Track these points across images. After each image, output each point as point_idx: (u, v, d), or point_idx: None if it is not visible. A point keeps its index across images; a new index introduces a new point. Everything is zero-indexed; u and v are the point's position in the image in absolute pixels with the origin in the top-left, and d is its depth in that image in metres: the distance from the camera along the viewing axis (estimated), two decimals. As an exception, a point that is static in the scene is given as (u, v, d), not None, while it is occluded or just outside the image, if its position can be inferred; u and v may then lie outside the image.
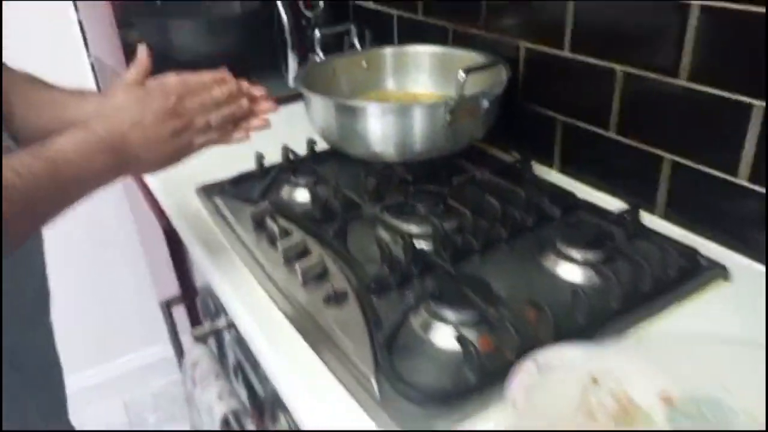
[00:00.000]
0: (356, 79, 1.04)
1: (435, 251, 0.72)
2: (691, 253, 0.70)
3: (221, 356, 0.97)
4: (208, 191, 0.92)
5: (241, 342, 0.79)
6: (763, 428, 0.39)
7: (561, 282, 0.69)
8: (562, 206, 0.81)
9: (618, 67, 0.80)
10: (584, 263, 0.69)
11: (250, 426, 0.78)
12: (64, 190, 0.58)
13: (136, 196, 1.22)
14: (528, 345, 0.56)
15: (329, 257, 0.72)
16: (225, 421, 0.78)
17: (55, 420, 0.82)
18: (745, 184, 0.70)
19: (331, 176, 0.89)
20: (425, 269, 0.70)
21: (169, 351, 1.16)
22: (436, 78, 1.03)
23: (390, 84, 1.06)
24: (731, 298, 0.67)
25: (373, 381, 0.56)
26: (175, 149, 0.66)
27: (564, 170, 0.94)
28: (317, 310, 0.65)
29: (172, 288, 1.16)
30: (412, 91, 1.05)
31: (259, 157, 0.96)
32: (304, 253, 0.73)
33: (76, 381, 0.91)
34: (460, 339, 0.57)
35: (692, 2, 0.68)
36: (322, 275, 0.69)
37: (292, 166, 0.94)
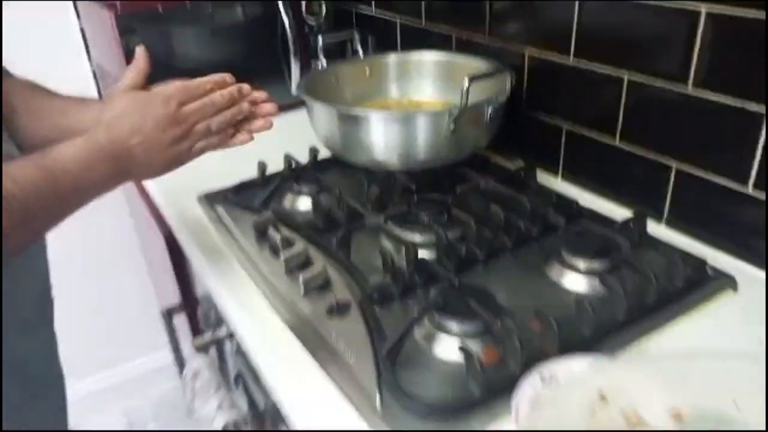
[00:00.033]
0: (359, 87, 1.04)
1: (438, 261, 0.71)
2: (698, 263, 0.69)
3: (222, 365, 0.97)
4: (210, 199, 0.92)
5: (241, 352, 0.79)
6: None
7: (566, 292, 0.68)
8: (567, 215, 0.80)
9: (624, 75, 0.79)
10: (589, 273, 0.68)
11: (251, 437, 0.77)
12: (64, 198, 0.57)
13: (137, 203, 1.22)
14: (533, 357, 0.56)
15: (332, 267, 0.72)
16: (226, 433, 0.77)
17: (55, 428, 0.82)
18: (754, 193, 0.69)
19: (334, 185, 0.89)
20: (429, 279, 0.69)
21: (171, 358, 1.16)
22: (440, 85, 1.03)
23: (393, 91, 1.06)
24: (740, 310, 0.66)
25: (376, 393, 0.55)
26: (175, 155, 0.66)
27: (568, 178, 0.93)
28: (319, 321, 0.65)
29: (174, 296, 1.15)
30: (416, 99, 1.04)
31: (262, 166, 0.95)
32: (306, 263, 0.72)
33: (76, 388, 0.91)
34: (464, 351, 0.56)
35: (701, 9, 0.68)
36: (325, 286, 0.69)
37: (295, 175, 0.94)
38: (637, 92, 0.78)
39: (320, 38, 1.15)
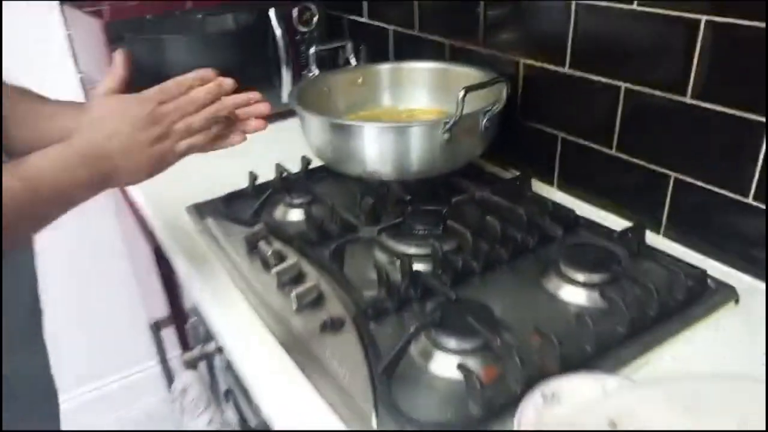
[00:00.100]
0: (352, 96, 1.02)
1: (434, 274, 0.69)
2: (699, 274, 0.67)
3: (212, 380, 0.94)
4: (199, 210, 0.90)
5: (231, 368, 0.76)
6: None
7: (565, 305, 0.66)
8: (564, 225, 0.78)
9: (621, 84, 0.78)
10: (588, 286, 0.67)
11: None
12: (44, 207, 0.56)
13: (124, 214, 1.19)
14: (533, 374, 0.54)
15: (325, 281, 0.70)
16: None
17: None
18: (755, 203, 0.68)
19: (327, 195, 0.87)
20: (424, 293, 0.67)
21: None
22: (434, 94, 1.01)
23: (386, 100, 1.04)
24: (742, 322, 0.65)
25: (372, 414, 0.53)
26: (156, 156, 0.64)
27: (564, 188, 0.92)
28: (312, 338, 0.62)
29: (162, 308, 1.13)
30: (409, 108, 1.03)
31: (252, 176, 0.93)
32: (299, 277, 0.70)
33: (65, 398, 0.89)
34: (463, 369, 0.54)
35: (701, 18, 0.67)
36: (318, 301, 0.67)
37: (286, 185, 0.92)
38: (635, 102, 0.77)
39: (312, 47, 1.13)
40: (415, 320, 0.63)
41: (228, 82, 0.68)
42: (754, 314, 0.65)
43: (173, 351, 1.18)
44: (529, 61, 0.90)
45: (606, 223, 0.81)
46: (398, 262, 0.68)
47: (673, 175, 0.75)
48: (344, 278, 0.70)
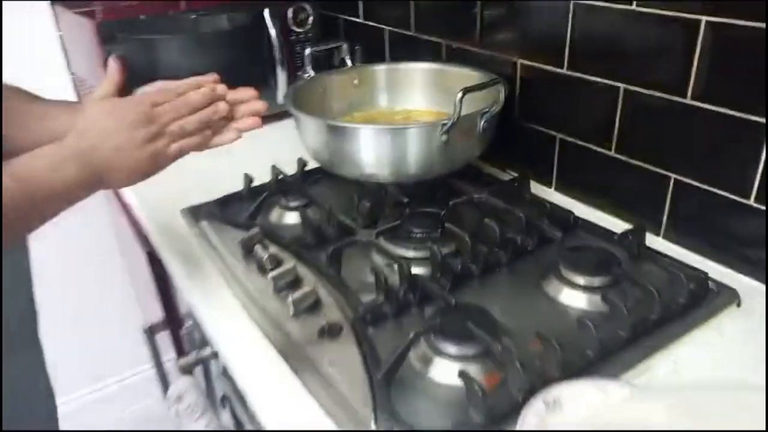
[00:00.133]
0: (348, 97, 1.01)
1: (433, 278, 0.69)
2: (700, 276, 0.67)
3: (208, 384, 0.93)
4: (194, 214, 0.88)
5: (227, 374, 0.75)
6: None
7: (565, 309, 0.66)
8: (563, 227, 0.78)
9: (620, 85, 0.77)
10: (589, 289, 0.66)
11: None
12: (38, 207, 0.56)
13: (118, 217, 1.18)
14: (535, 381, 0.53)
15: (322, 286, 0.69)
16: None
17: None
18: (756, 205, 0.67)
19: (323, 198, 0.86)
20: (423, 297, 0.66)
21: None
22: (430, 95, 1.01)
23: (383, 101, 1.03)
24: (744, 325, 0.64)
25: (371, 421, 0.52)
26: (149, 156, 0.63)
27: (562, 189, 0.91)
28: (310, 344, 0.61)
29: (157, 311, 1.11)
30: (406, 109, 1.02)
31: (248, 178, 0.92)
32: (295, 282, 0.69)
33: (65, 401, 0.89)
34: (464, 376, 0.53)
35: (701, 19, 0.66)
36: (315, 306, 0.66)
37: (282, 187, 0.90)
38: (634, 102, 0.76)
39: (307, 48, 1.12)
40: (414, 325, 0.63)
41: (221, 88, 0.68)
42: (756, 317, 0.65)
43: (169, 354, 1.17)
44: (527, 62, 0.89)
45: (605, 225, 0.80)
46: (396, 266, 0.67)
47: (672, 176, 0.75)
48: (342, 283, 0.69)
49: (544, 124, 0.90)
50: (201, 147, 0.68)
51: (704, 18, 0.66)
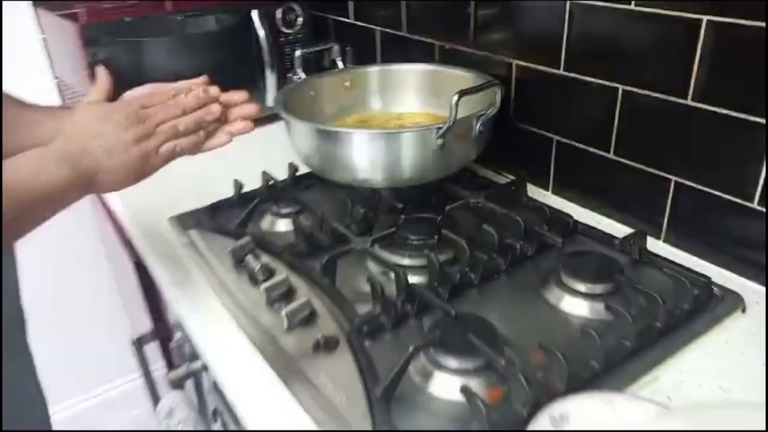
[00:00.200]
0: (339, 100, 0.99)
1: (431, 287, 0.66)
2: (703, 281, 0.65)
3: (200, 397, 0.90)
4: (182, 222, 0.86)
5: (218, 389, 0.73)
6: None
7: (567, 318, 0.64)
8: (562, 232, 0.76)
9: (618, 86, 0.75)
10: (591, 296, 0.64)
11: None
12: (26, 211, 0.54)
13: (105, 226, 1.15)
14: (540, 395, 0.51)
15: (317, 297, 0.66)
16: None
17: None
18: (759, 208, 0.65)
19: (315, 204, 0.84)
20: (421, 307, 0.64)
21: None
22: (424, 97, 0.98)
23: (375, 104, 1.01)
24: (750, 331, 0.62)
25: (370, 441, 0.50)
26: (139, 157, 0.62)
27: (560, 192, 0.90)
28: (305, 359, 0.59)
29: (146, 320, 1.09)
30: (399, 111, 1.00)
31: (238, 184, 0.89)
32: (289, 293, 0.67)
33: (56, 410, 0.87)
34: (466, 392, 0.51)
35: (702, 18, 0.64)
36: (310, 318, 0.63)
37: (273, 194, 0.88)
38: (633, 104, 0.75)
39: (297, 49, 1.09)
40: (412, 337, 0.61)
41: (213, 90, 0.68)
42: (761, 323, 0.63)
43: (158, 363, 1.14)
44: (522, 63, 0.88)
45: (603, 228, 0.79)
46: (393, 275, 0.65)
47: (673, 178, 0.73)
48: (337, 293, 0.67)
49: (540, 125, 0.89)
50: (193, 150, 0.67)
51: (705, 17, 0.65)
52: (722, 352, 0.60)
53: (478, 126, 0.79)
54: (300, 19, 1.21)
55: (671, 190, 0.74)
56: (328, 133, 0.80)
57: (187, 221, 0.86)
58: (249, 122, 0.70)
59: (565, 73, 0.82)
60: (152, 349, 1.09)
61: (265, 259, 0.73)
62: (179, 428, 0.79)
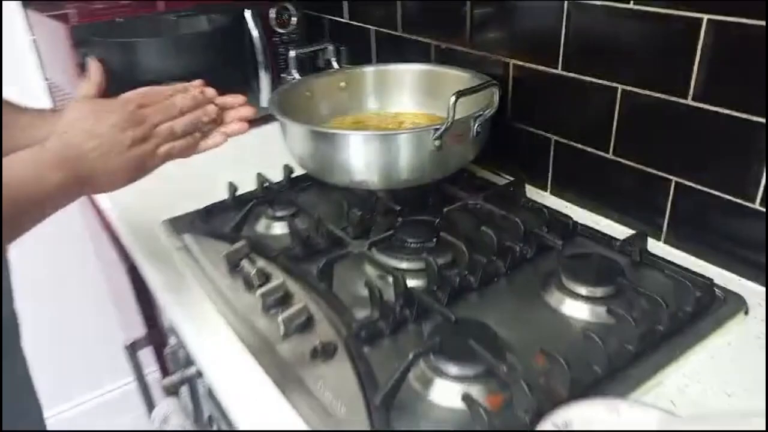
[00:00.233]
0: (335, 101, 0.98)
1: (430, 291, 0.65)
2: (706, 283, 0.64)
3: (195, 404, 0.89)
4: (176, 225, 0.84)
5: (213, 395, 0.71)
6: None
7: (568, 321, 0.63)
8: (562, 234, 0.75)
9: (617, 85, 0.75)
10: (592, 299, 0.63)
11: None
12: (17, 214, 0.53)
13: (96, 229, 1.13)
14: (542, 401, 0.50)
15: (313, 302, 0.65)
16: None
17: None
18: (761, 208, 0.65)
19: (311, 207, 0.83)
20: (420, 312, 0.63)
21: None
22: (420, 97, 0.97)
23: (371, 104, 1.00)
24: (754, 334, 0.62)
25: (370, 450, 0.49)
26: (136, 159, 0.61)
27: (558, 193, 0.89)
28: (302, 365, 0.58)
29: (140, 323, 1.07)
30: (395, 112, 0.99)
31: (232, 187, 0.88)
32: (285, 298, 0.66)
33: (48, 416, 0.86)
34: (467, 400, 0.50)
35: (702, 17, 0.63)
36: (307, 324, 0.62)
37: (269, 196, 0.87)
38: (632, 104, 0.74)
39: (291, 49, 1.08)
40: (412, 342, 0.60)
41: (210, 91, 0.68)
42: (764, 325, 0.62)
43: (151, 366, 1.13)
44: (520, 62, 0.87)
45: (602, 229, 0.78)
46: (391, 279, 0.64)
47: (674, 179, 0.72)
48: (334, 298, 0.66)
49: (538, 125, 0.88)
50: (189, 151, 0.66)
51: (706, 16, 0.64)
52: (726, 355, 0.59)
53: (475, 127, 0.78)
54: (294, 19, 1.19)
55: (671, 191, 0.73)
56: (324, 135, 0.79)
57: (180, 225, 0.84)
58: (244, 123, 0.70)
59: (564, 73, 0.81)
60: (146, 354, 1.07)
61: (261, 263, 0.72)
62: (174, 436, 0.78)
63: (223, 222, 0.83)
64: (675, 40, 0.67)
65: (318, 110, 0.96)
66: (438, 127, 0.73)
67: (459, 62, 0.95)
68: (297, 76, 1.08)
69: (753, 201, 0.66)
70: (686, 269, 0.67)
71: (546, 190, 0.90)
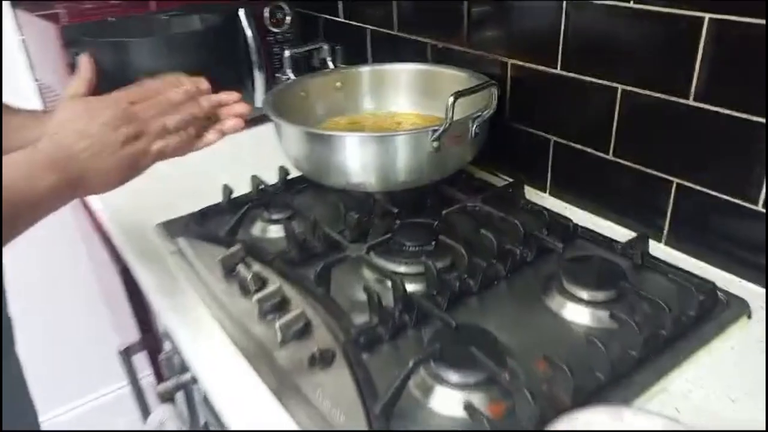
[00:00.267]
0: (331, 101, 0.96)
1: (429, 296, 0.64)
2: (708, 286, 0.64)
3: (191, 410, 0.87)
4: (169, 229, 0.83)
5: (209, 402, 0.70)
6: None
7: (570, 326, 0.62)
8: (562, 236, 0.74)
9: (618, 86, 0.74)
10: (594, 304, 0.63)
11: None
12: (8, 217, 0.51)
13: (88, 232, 1.12)
14: (546, 408, 0.49)
15: (310, 307, 0.64)
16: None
17: None
18: (762, 210, 0.64)
19: (308, 209, 0.81)
20: (420, 317, 0.62)
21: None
22: (417, 98, 0.96)
23: (368, 104, 0.99)
24: (757, 338, 0.61)
25: (370, 461, 0.47)
26: (129, 157, 0.59)
27: (557, 194, 0.88)
28: (300, 373, 0.57)
29: (134, 327, 1.06)
30: (392, 112, 0.98)
31: (227, 189, 0.87)
32: (282, 304, 0.64)
33: (42, 420, 0.85)
34: (470, 409, 0.49)
35: (704, 16, 0.63)
36: (305, 331, 0.61)
37: (264, 199, 0.85)
38: (633, 104, 0.73)
39: (286, 49, 1.07)
40: (411, 348, 0.59)
41: (204, 84, 0.66)
42: (765, 327, 0.62)
43: (146, 370, 1.12)
44: (518, 62, 0.86)
45: (602, 231, 0.77)
46: (390, 284, 0.63)
47: (675, 180, 0.72)
48: (332, 303, 0.65)
49: (536, 126, 0.87)
50: (184, 149, 0.65)
51: (707, 15, 0.63)
52: (729, 360, 0.58)
53: (474, 128, 0.77)
54: (288, 18, 1.18)
55: (673, 192, 0.72)
56: (320, 137, 0.78)
57: (174, 228, 0.83)
58: (240, 120, 0.68)
59: (563, 73, 0.80)
60: (140, 358, 1.06)
61: (257, 267, 0.71)
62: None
63: (218, 225, 0.81)
64: (676, 39, 0.66)
65: (313, 111, 0.95)
66: (436, 128, 0.72)
67: (456, 62, 0.94)
68: (292, 75, 1.07)
69: (755, 202, 0.65)
70: (689, 272, 0.67)
71: (545, 192, 0.89)
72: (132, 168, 0.60)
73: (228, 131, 0.68)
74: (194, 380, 0.74)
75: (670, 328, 0.58)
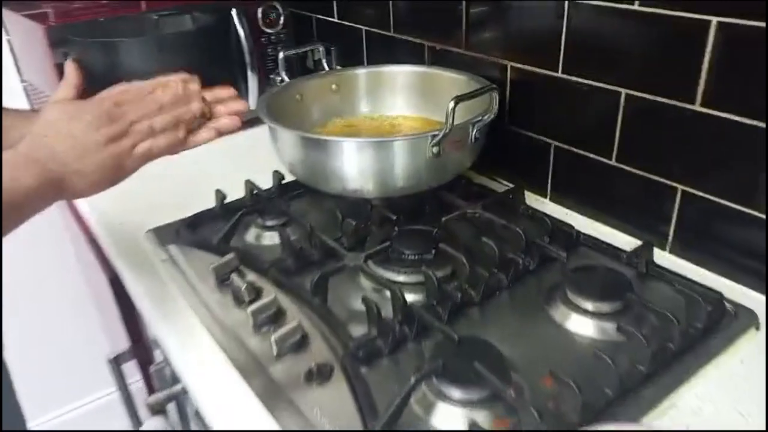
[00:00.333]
0: (326, 104, 0.94)
1: (429, 306, 0.62)
2: (715, 297, 0.62)
3: (183, 422, 0.85)
4: (160, 236, 0.81)
5: (201, 417, 0.68)
6: None
7: (574, 338, 0.60)
8: (564, 244, 0.72)
9: (621, 90, 0.72)
10: (599, 315, 0.61)
11: None
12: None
13: (78, 239, 1.09)
14: (552, 426, 0.47)
15: (306, 318, 0.62)
16: None
17: None
18: (772, 219, 0.62)
19: (303, 215, 0.79)
20: (420, 330, 0.60)
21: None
22: (415, 101, 0.94)
23: (364, 107, 0.96)
24: (764, 349, 0.59)
25: (370, 482, 0.45)
26: (113, 158, 0.58)
27: (558, 200, 0.86)
28: (296, 388, 0.55)
29: (124, 334, 1.03)
30: (389, 116, 0.96)
31: (220, 195, 0.84)
32: (277, 315, 0.62)
33: (32, 426, 0.82)
34: (473, 425, 0.47)
35: (711, 19, 0.61)
36: (301, 344, 0.59)
37: (258, 205, 0.83)
38: (637, 109, 0.71)
39: (280, 50, 1.04)
40: (412, 362, 0.57)
41: (193, 83, 0.64)
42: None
43: (135, 376, 1.09)
44: (518, 65, 0.84)
45: (605, 238, 0.75)
46: (389, 293, 0.61)
47: (680, 187, 0.70)
48: (329, 313, 0.63)
49: (537, 130, 0.85)
50: (174, 149, 0.63)
51: (714, 18, 0.61)
52: (738, 373, 0.57)
53: (474, 133, 0.75)
54: (282, 19, 1.16)
55: (677, 199, 0.71)
56: (316, 142, 0.75)
57: (165, 235, 0.80)
58: (236, 118, 0.66)
59: (564, 76, 0.78)
60: (130, 366, 1.03)
61: (251, 276, 0.68)
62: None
63: (210, 232, 0.79)
64: (682, 42, 0.65)
65: (309, 114, 0.92)
66: (436, 133, 0.70)
67: (454, 64, 0.92)
68: (286, 77, 1.04)
69: (762, 210, 0.63)
70: (695, 282, 0.65)
71: (546, 197, 0.87)
72: (117, 169, 0.59)
73: (223, 130, 0.66)
74: (185, 391, 0.72)
75: (678, 341, 0.56)
